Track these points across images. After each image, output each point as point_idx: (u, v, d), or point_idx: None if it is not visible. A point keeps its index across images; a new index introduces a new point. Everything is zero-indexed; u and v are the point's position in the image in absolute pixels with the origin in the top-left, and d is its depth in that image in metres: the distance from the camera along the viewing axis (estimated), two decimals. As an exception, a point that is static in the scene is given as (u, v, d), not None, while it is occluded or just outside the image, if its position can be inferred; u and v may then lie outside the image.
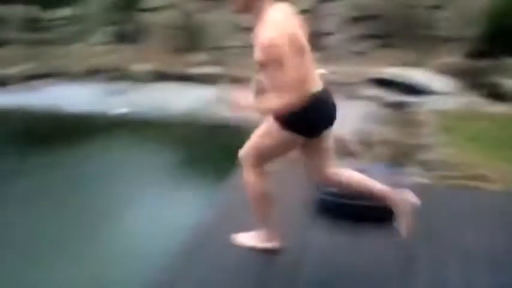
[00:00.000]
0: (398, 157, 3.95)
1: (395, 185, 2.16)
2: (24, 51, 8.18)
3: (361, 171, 2.72)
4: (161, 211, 3.56)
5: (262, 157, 2.05)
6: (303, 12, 7.36)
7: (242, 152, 2.12)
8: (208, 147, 4.90)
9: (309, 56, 1.87)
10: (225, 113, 5.63)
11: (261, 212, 2.18)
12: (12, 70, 7.66)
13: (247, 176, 2.11)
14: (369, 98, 5.66)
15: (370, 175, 2.59)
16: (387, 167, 3.07)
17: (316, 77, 1.93)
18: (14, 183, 4.16)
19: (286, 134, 1.91)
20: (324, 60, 6.21)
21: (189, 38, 8.00)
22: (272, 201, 2.13)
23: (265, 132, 1.98)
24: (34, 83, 7.29)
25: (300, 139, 1.93)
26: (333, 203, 2.79)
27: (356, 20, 7.28)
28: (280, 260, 2.53)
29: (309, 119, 1.86)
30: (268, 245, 2.34)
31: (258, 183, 2.09)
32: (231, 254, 2.58)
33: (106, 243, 3.16)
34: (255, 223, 2.28)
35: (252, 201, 2.16)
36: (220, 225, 2.88)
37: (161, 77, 6.56)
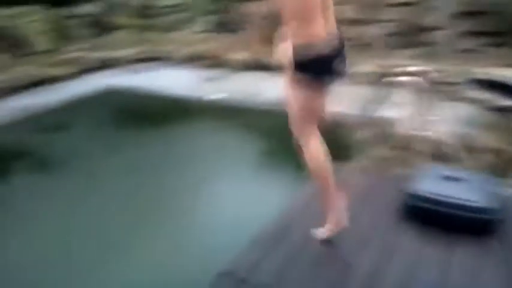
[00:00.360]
0: (501, 166, 3.63)
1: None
2: (134, 36, 8.85)
3: (458, 179, 2.56)
4: (242, 198, 3.64)
5: (306, 119, 2.24)
6: (408, 4, 7.05)
7: (292, 130, 2.33)
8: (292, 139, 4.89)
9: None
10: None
11: (325, 188, 2.32)
12: (122, 53, 8.32)
13: (306, 148, 2.22)
14: (473, 101, 5.24)
15: (466, 183, 2.42)
16: (486, 177, 2.84)
17: (328, 25, 2.02)
18: (110, 159, 4.53)
19: (304, 80, 2.05)
20: (427, 57, 5.89)
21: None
22: (330, 173, 2.27)
23: (292, 95, 2.19)
24: (140, 66, 7.86)
25: (318, 82, 2.07)
26: (425, 210, 2.66)
27: (464, 15, 6.77)
28: (360, 265, 2.47)
29: (312, 63, 2.00)
30: (335, 228, 2.42)
31: (315, 151, 2.27)
32: (309, 249, 2.59)
33: (182, 228, 3.28)
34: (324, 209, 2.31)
35: (314, 174, 2.31)
36: (299, 218, 2.89)
37: (256, 66, 6.67)
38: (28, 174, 4.35)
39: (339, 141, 3.71)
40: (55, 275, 2.74)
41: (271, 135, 5.06)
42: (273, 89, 6.17)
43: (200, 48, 8.65)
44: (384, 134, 4.21)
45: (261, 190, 3.78)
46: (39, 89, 6.62)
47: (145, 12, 8.94)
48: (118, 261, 2.85)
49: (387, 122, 4.31)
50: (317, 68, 2.05)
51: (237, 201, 3.59)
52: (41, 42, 7.81)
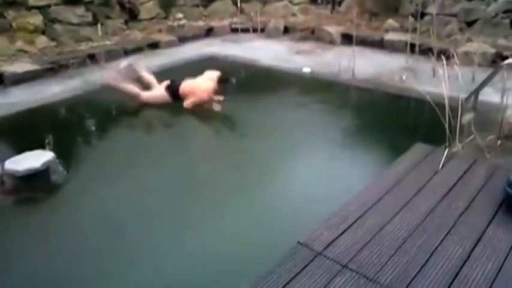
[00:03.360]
0: None
1: None
2: (232, 6, 9.07)
3: None
4: (324, 174, 3.70)
5: None
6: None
7: None
8: (388, 117, 4.80)
9: None
10: (410, 84, 5.40)
11: None
12: (221, 23, 8.61)
13: None
14: None
15: None
16: None
17: None
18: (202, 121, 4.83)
19: None
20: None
21: (385, 3, 7.74)
22: None
23: None
24: (238, 36, 8.08)
25: None
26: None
27: None
28: (445, 251, 2.45)
29: None
30: None
31: None
32: (387, 232, 2.61)
33: (263, 197, 3.42)
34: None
35: None
36: (379, 200, 2.91)
37: (351, 40, 6.53)
38: (136, 128, 4.80)
39: (441, 124, 3.57)
40: (151, 225, 3.07)
41: (360, 111, 5.00)
42: (366, 64, 6.04)
43: (296, 20, 8.64)
44: (490, 120, 3.98)
45: (344, 167, 3.82)
46: (147, 53, 7.14)
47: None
48: (206, 220, 3.11)
49: (494, 108, 4.05)
50: None
51: (319, 175, 3.67)
52: (149, 9, 8.33)
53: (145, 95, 5.22)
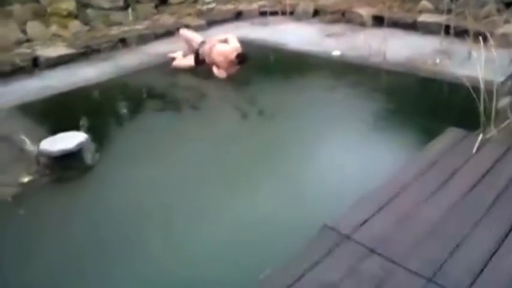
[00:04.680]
0: None
1: None
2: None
3: None
4: (354, 157, 3.66)
5: None
6: None
7: None
8: (420, 101, 4.68)
9: None
10: (444, 67, 5.24)
11: None
12: (249, 6, 8.54)
13: None
14: None
15: None
16: None
17: None
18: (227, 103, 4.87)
19: None
20: None
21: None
22: None
23: None
24: (266, 19, 8.01)
25: None
26: None
27: None
28: (475, 239, 2.40)
29: None
30: None
31: None
32: (416, 217, 2.57)
33: (292, 179, 3.42)
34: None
35: None
36: (409, 185, 2.85)
37: (382, 22, 6.37)
38: (164, 111, 4.88)
39: (476, 108, 3.46)
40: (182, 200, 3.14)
41: (392, 96, 4.90)
42: (398, 47, 5.89)
43: (326, 2, 8.47)
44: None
45: (375, 151, 3.76)
46: (176, 37, 7.17)
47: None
48: (233, 198, 3.15)
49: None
50: None
51: (348, 159, 3.64)
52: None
53: (174, 63, 5.47)
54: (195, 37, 5.80)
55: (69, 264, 2.64)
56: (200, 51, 5.45)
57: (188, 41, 5.76)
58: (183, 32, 5.74)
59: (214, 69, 5.41)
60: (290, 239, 2.52)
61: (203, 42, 5.70)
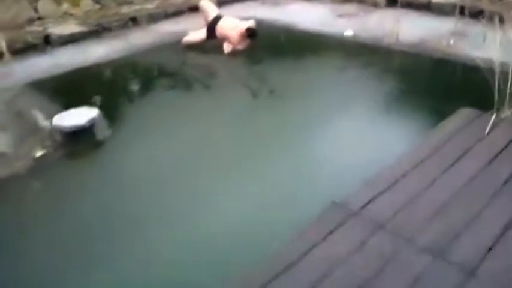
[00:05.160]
0: None
1: None
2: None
3: None
4: (362, 137, 3.64)
5: None
6: None
7: None
8: (433, 83, 4.63)
9: None
10: (458, 48, 5.16)
11: None
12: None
13: None
14: None
15: None
16: None
17: None
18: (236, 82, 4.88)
19: None
20: None
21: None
22: None
23: None
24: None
25: None
26: None
27: None
28: (487, 219, 2.39)
29: None
30: None
31: None
32: (426, 196, 2.57)
33: (302, 157, 3.42)
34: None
35: None
36: (419, 165, 2.84)
37: (396, 3, 6.27)
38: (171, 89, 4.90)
39: (489, 91, 3.42)
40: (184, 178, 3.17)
41: (404, 77, 4.85)
42: (412, 28, 5.80)
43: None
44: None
45: (386, 131, 3.75)
46: (187, 16, 7.15)
47: None
48: (239, 177, 3.17)
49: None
50: None
51: (359, 138, 3.62)
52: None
53: (185, 39, 5.82)
54: (212, 10, 5.96)
55: (80, 235, 2.69)
56: (213, 24, 5.69)
57: (205, 13, 5.94)
58: (203, 3, 5.99)
59: (225, 45, 5.52)
60: (299, 214, 2.53)
61: (218, 16, 5.86)
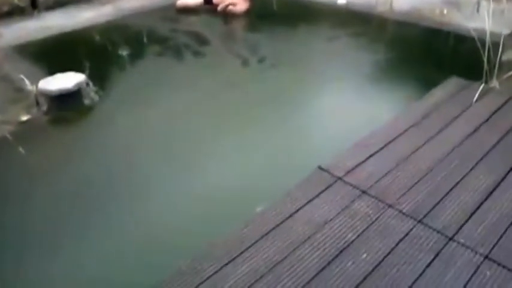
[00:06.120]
0: None
1: None
2: None
3: None
4: (349, 106, 3.65)
5: None
6: None
7: None
8: (424, 52, 4.60)
9: None
10: (451, 18, 5.11)
11: None
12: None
13: None
14: None
15: None
16: None
17: None
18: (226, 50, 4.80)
19: None
20: None
21: None
22: None
23: None
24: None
25: None
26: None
27: None
28: (473, 185, 2.41)
29: None
30: None
31: None
32: (413, 161, 2.58)
33: (289, 125, 3.42)
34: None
35: None
36: (406, 131, 2.85)
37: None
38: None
39: (480, 61, 3.40)
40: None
41: (396, 46, 4.81)
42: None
43: None
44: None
45: (374, 99, 3.74)
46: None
47: None
48: (229, 145, 3.16)
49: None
50: None
51: (345, 107, 3.62)
52: None
53: (179, 2, 5.85)
54: None
55: (66, 201, 2.69)
56: None
57: None
58: None
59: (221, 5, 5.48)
60: (285, 178, 2.55)
61: None
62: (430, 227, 2.15)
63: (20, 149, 3.13)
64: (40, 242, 2.39)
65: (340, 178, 2.48)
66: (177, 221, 2.47)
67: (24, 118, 3.49)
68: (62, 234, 2.43)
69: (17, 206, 2.64)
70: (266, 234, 2.13)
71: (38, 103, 3.63)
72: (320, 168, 2.55)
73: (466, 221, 2.18)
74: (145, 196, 2.69)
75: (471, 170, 2.50)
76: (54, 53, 4.75)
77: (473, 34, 3.56)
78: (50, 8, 5.82)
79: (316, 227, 2.16)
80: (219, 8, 5.63)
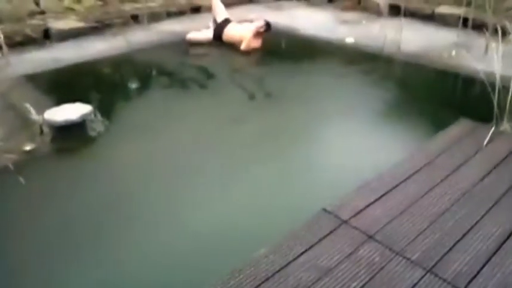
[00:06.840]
0: None
1: None
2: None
3: None
4: (356, 144, 3.59)
5: None
6: None
7: None
8: (432, 93, 4.57)
9: None
10: (459, 60, 5.11)
11: None
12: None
13: None
14: None
15: None
16: None
17: None
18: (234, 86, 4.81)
19: None
20: None
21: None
22: None
23: None
24: (280, 3, 7.90)
25: None
26: None
27: None
28: (482, 228, 2.33)
29: None
30: None
31: None
32: (418, 206, 2.50)
33: (296, 163, 3.36)
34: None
35: None
36: (411, 176, 2.77)
37: (399, 12, 6.22)
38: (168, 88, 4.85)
39: (490, 103, 3.37)
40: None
41: (404, 86, 4.79)
42: (412, 38, 5.75)
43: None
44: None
45: (383, 139, 3.68)
46: (189, 16, 7.12)
47: None
48: (236, 179, 3.11)
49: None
50: None
51: (355, 146, 3.56)
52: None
53: (189, 35, 5.92)
54: (221, 11, 6.04)
55: (69, 232, 2.62)
56: (221, 27, 5.83)
57: (214, 12, 6.09)
58: (215, 1, 6.15)
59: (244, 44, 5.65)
60: (288, 220, 2.46)
61: (227, 20, 5.94)
62: (440, 277, 2.04)
63: (20, 178, 3.09)
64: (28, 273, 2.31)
65: (345, 221, 2.39)
66: (174, 260, 2.38)
67: (28, 148, 3.47)
68: (49, 269, 2.35)
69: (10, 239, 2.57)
70: (265, 281, 2.02)
71: (42, 133, 3.62)
72: (324, 210, 2.47)
73: (479, 271, 2.07)
74: (140, 232, 2.61)
75: (483, 216, 2.40)
76: (63, 84, 4.79)
77: (483, 76, 3.53)
78: (63, 39, 5.93)
79: (319, 274, 2.05)
80: (242, 47, 5.62)
